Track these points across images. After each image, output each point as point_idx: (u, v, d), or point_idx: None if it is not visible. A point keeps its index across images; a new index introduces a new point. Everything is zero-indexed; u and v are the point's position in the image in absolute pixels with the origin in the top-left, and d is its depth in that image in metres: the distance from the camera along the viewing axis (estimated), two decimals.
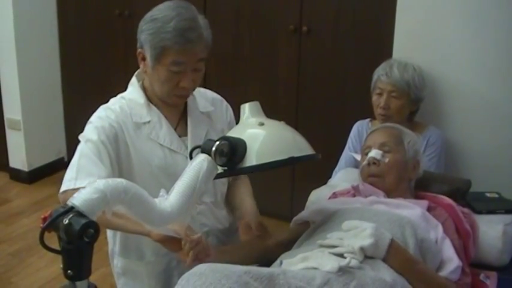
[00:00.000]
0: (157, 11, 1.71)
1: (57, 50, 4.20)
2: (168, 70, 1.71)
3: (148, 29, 1.70)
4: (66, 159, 4.29)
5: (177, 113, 1.88)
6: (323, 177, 2.56)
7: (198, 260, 1.56)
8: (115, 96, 1.89)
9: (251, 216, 1.87)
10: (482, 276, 1.86)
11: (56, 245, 1.17)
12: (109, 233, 1.98)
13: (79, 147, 1.76)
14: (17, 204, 3.86)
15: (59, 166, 4.18)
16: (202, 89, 1.98)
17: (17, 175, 4.17)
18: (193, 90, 1.82)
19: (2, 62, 3.99)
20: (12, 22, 3.82)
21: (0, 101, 4.09)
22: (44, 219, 1.18)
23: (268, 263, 1.68)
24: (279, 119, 1.57)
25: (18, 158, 4.13)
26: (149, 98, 1.85)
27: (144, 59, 1.76)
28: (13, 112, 4.04)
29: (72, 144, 4.19)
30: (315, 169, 2.52)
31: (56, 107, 4.28)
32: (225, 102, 2.01)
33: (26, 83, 3.99)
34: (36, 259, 3.14)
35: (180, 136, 1.85)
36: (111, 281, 2.08)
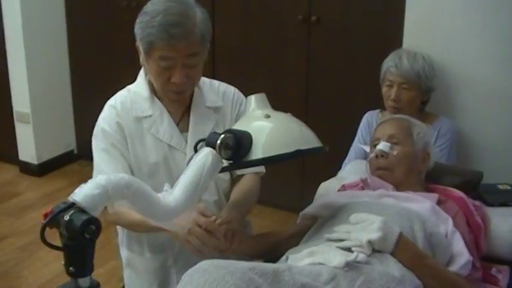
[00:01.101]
0: (150, 5, 1.68)
1: (65, 42, 4.20)
2: (158, 65, 1.67)
3: (140, 22, 1.68)
4: (76, 151, 4.29)
5: (181, 107, 1.84)
6: (333, 168, 2.54)
7: (228, 238, 1.60)
8: (123, 87, 1.88)
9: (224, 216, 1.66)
10: (493, 271, 1.83)
11: (59, 242, 1.16)
12: None
13: (94, 160, 1.78)
14: (26, 198, 3.86)
15: (69, 159, 4.18)
16: (216, 82, 1.93)
17: (26, 168, 4.17)
18: (192, 85, 1.78)
19: (10, 54, 3.99)
20: (20, 14, 3.81)
21: (9, 94, 4.09)
22: (45, 215, 1.16)
23: (276, 257, 1.66)
24: (288, 111, 1.54)
25: (28, 151, 4.14)
26: (155, 92, 1.82)
27: (140, 52, 1.73)
28: (22, 105, 4.04)
29: (81, 136, 4.23)
30: (325, 160, 2.50)
31: (65, 99, 4.28)
32: (236, 95, 1.93)
33: (35, 76, 3.99)
34: (45, 253, 3.13)
35: (182, 132, 1.82)
36: (120, 274, 2.07)
